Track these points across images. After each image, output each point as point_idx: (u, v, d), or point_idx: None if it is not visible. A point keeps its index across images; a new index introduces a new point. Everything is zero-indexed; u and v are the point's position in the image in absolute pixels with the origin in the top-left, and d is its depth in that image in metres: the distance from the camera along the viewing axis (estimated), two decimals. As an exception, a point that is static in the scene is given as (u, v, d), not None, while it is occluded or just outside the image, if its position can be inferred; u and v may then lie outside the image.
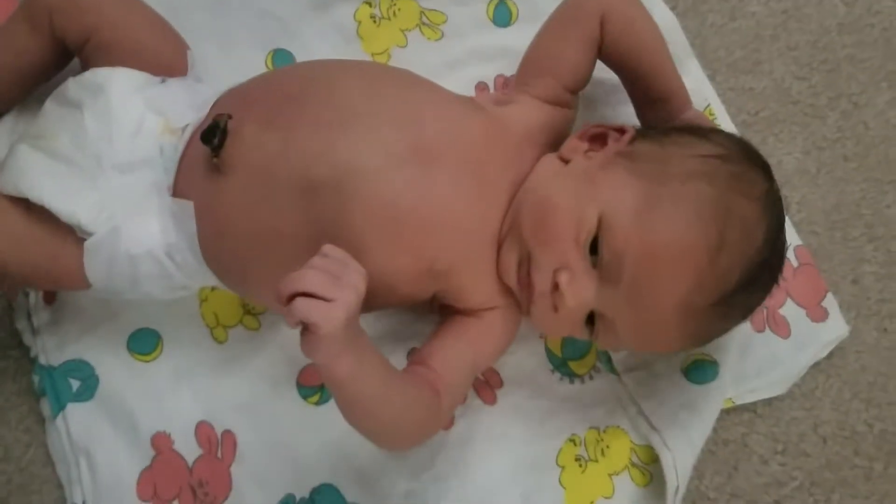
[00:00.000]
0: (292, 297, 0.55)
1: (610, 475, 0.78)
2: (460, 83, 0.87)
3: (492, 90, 0.88)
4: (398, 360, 0.77)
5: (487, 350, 0.73)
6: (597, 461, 0.78)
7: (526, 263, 0.68)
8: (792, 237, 0.85)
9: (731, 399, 0.82)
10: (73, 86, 0.70)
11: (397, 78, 0.73)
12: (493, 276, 0.71)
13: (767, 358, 0.82)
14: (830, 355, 0.85)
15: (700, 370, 0.79)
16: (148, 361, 0.76)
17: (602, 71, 0.79)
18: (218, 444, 0.74)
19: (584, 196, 0.66)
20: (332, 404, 0.75)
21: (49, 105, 0.71)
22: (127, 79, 0.70)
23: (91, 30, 0.71)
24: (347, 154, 0.65)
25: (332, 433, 0.75)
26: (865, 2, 0.97)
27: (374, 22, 0.88)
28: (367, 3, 0.88)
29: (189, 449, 0.74)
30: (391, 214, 0.65)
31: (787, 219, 0.72)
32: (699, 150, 0.66)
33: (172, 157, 0.69)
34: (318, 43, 0.87)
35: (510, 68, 0.83)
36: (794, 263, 0.85)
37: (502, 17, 0.90)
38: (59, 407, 0.73)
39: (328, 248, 0.58)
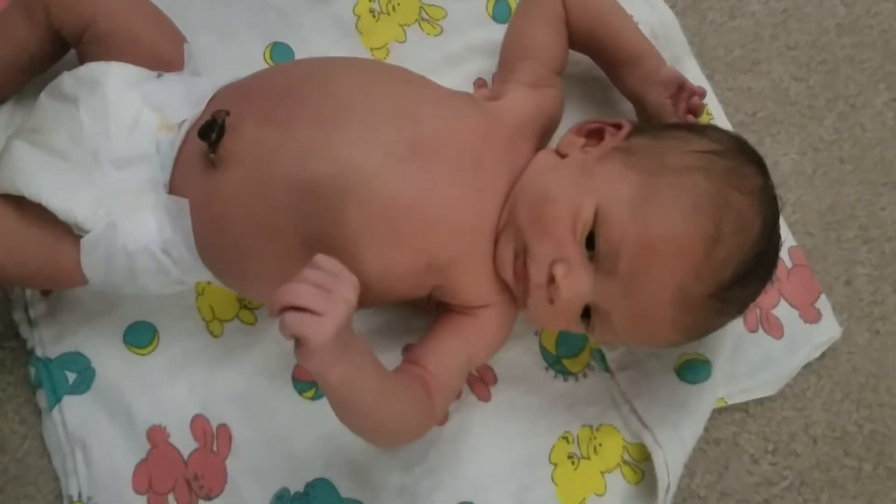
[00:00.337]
0: (284, 309, 0.55)
1: (602, 473, 0.78)
2: (459, 79, 0.87)
3: (490, 86, 0.88)
4: (393, 356, 0.78)
5: (482, 348, 0.73)
6: (589, 459, 0.78)
7: (522, 255, 0.68)
8: (786, 238, 0.85)
9: (723, 398, 0.82)
10: (68, 80, 0.70)
11: (394, 75, 0.73)
12: (491, 272, 0.71)
13: (760, 358, 0.83)
14: (822, 356, 0.86)
15: (693, 369, 0.79)
16: (144, 354, 0.76)
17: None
18: (213, 438, 0.75)
19: (580, 188, 0.66)
20: (326, 399, 0.77)
21: (44, 99, 0.71)
22: (123, 73, 0.70)
23: (88, 22, 0.71)
24: (345, 151, 0.65)
25: (327, 428, 0.75)
26: (865, 3, 0.97)
27: (374, 16, 0.88)
28: (366, -4, 0.88)
29: (184, 442, 0.74)
30: (389, 211, 0.65)
31: (781, 219, 0.73)
32: (695, 146, 0.67)
33: (169, 154, 0.69)
34: (317, 36, 0.87)
35: (509, 65, 0.83)
36: (789, 264, 0.86)
37: (502, 13, 0.90)
38: (56, 399, 0.74)
39: (320, 258, 0.58)
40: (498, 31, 0.88)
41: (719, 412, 0.83)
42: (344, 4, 0.87)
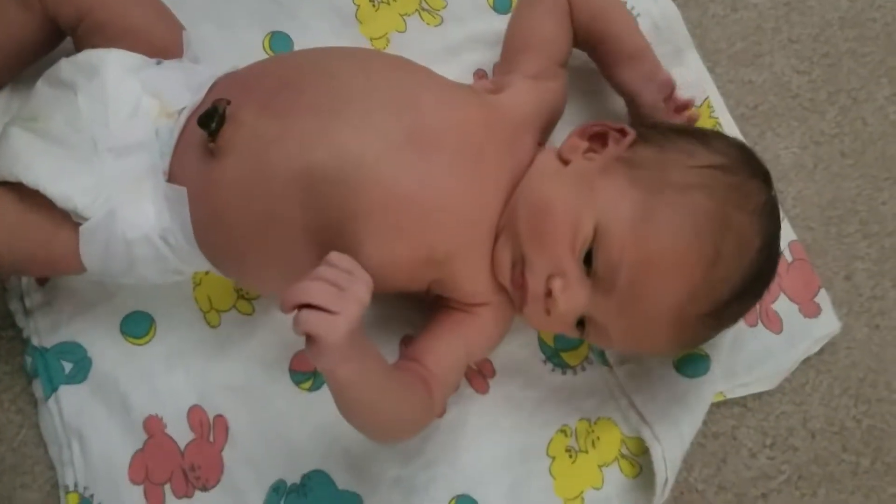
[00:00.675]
0: (297, 307, 0.55)
1: (600, 466, 0.78)
2: (459, 69, 0.86)
3: (490, 77, 0.87)
4: (391, 348, 0.78)
5: (480, 346, 0.74)
6: (587, 452, 0.78)
7: (520, 265, 0.68)
8: (787, 232, 0.85)
9: (721, 393, 0.82)
10: (66, 67, 0.69)
11: (395, 65, 0.73)
12: (490, 269, 0.71)
13: (759, 353, 0.83)
14: (821, 351, 0.86)
15: (691, 364, 0.79)
16: (141, 344, 0.76)
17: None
18: (210, 428, 0.75)
19: (581, 203, 0.66)
20: (324, 390, 0.76)
21: (41, 86, 0.70)
22: (122, 60, 0.70)
23: (84, 10, 0.71)
24: (345, 141, 0.65)
25: (324, 419, 0.75)
26: (868, -4, 0.97)
27: (373, 6, 0.87)
28: (366, -15, 0.87)
29: (181, 432, 0.74)
30: (389, 201, 0.65)
31: (782, 213, 0.72)
32: (699, 160, 0.66)
33: (168, 141, 0.68)
34: (316, 25, 0.86)
35: (510, 56, 0.83)
36: (788, 258, 0.86)
37: (503, 3, 0.89)
38: (52, 388, 0.73)
39: (334, 256, 0.58)
40: (499, 22, 0.87)
41: (718, 406, 0.83)
42: (344, -7, 0.87)
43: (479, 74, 0.87)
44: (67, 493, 0.72)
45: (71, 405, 0.73)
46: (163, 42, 0.73)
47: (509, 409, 0.79)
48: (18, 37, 0.73)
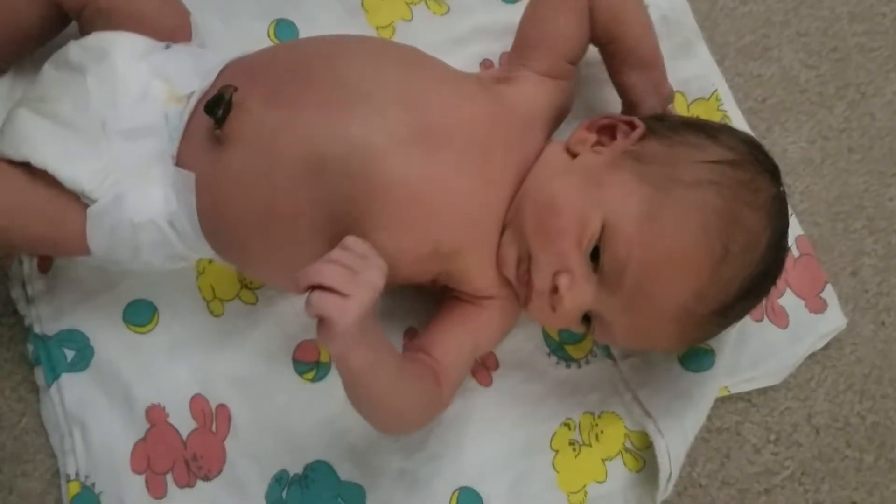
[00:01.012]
0: (311, 288, 0.55)
1: (603, 460, 0.78)
2: (465, 59, 0.86)
3: (497, 67, 0.86)
4: (395, 340, 0.78)
5: (487, 339, 0.73)
6: (591, 446, 0.78)
7: (526, 261, 0.68)
8: (794, 227, 0.84)
9: (726, 388, 0.82)
10: (75, 49, 0.69)
11: (403, 56, 0.72)
12: (496, 264, 0.70)
13: (764, 348, 0.82)
14: (826, 347, 0.85)
15: (696, 358, 0.79)
16: (143, 333, 0.75)
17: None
18: (212, 418, 0.74)
19: (588, 200, 0.65)
20: (327, 381, 0.76)
21: (48, 69, 0.70)
22: (131, 43, 0.69)
23: None
24: (351, 135, 0.64)
25: (327, 410, 0.75)
26: (878, -10, 0.96)
27: (380, -6, 0.87)
28: (372, -26, 0.86)
29: (183, 422, 0.74)
30: (395, 197, 0.64)
31: (789, 208, 0.72)
32: (708, 155, 0.66)
33: (177, 126, 0.68)
34: (322, 14, 0.85)
35: (516, 47, 0.82)
36: (795, 254, 0.85)
37: (510, -7, 0.89)
38: (54, 377, 0.73)
39: (350, 240, 0.58)
40: (505, 12, 0.87)
41: (722, 401, 0.82)
42: (350, -19, 0.86)
43: (486, 64, 0.87)
44: (69, 481, 0.72)
45: (73, 393, 0.73)
46: (170, 26, 0.72)
47: (513, 402, 0.78)
48: (23, 20, 0.72)
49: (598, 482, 0.77)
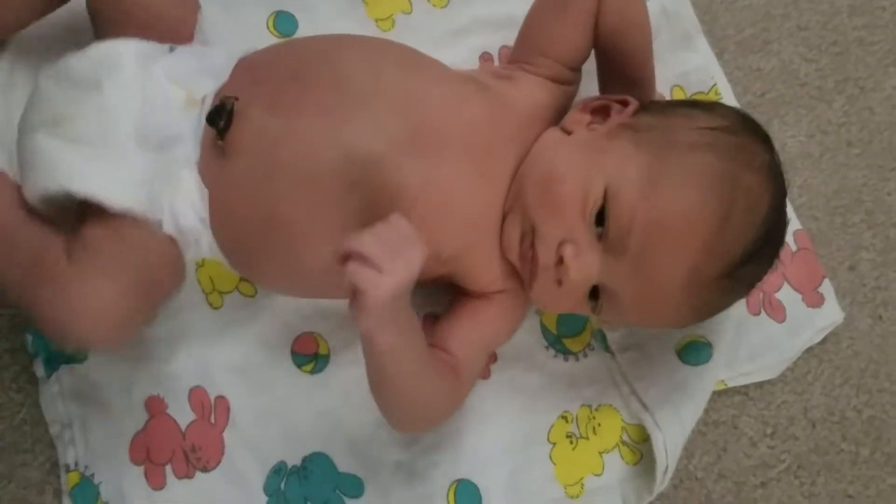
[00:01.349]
0: (349, 257, 0.55)
1: (600, 453, 0.78)
2: (465, 52, 0.86)
3: (496, 61, 0.86)
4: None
5: (500, 331, 0.73)
6: (588, 439, 0.78)
7: (530, 236, 0.67)
8: (792, 221, 0.85)
9: (723, 381, 0.82)
10: (78, 64, 0.65)
11: (401, 57, 0.71)
12: (501, 257, 0.71)
13: (761, 341, 0.83)
14: (824, 341, 0.86)
15: (694, 352, 0.79)
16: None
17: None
18: (211, 410, 0.74)
19: (589, 167, 0.65)
20: (326, 373, 0.76)
21: (50, 85, 0.66)
22: (138, 50, 0.66)
23: None
24: (350, 142, 0.64)
25: (326, 402, 0.75)
26: (878, -16, 0.96)
27: (380, -14, 0.87)
28: (372, -34, 0.86)
29: (182, 413, 0.74)
30: (395, 202, 0.64)
31: (787, 202, 0.72)
32: (702, 122, 0.66)
33: (196, 130, 0.67)
34: (321, 5, 0.85)
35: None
36: (793, 248, 0.85)
37: (510, -15, 0.88)
38: (53, 367, 0.73)
39: (396, 218, 0.58)
40: (506, 4, 0.86)
41: (719, 395, 0.83)
42: (349, -27, 0.86)
43: (485, 58, 0.86)
44: (68, 472, 0.72)
45: (72, 384, 0.73)
46: (175, 17, 0.70)
47: (511, 395, 0.79)
48: None
49: (596, 475, 0.78)
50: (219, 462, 0.73)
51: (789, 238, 0.84)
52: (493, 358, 0.80)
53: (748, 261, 0.65)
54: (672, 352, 0.80)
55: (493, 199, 0.69)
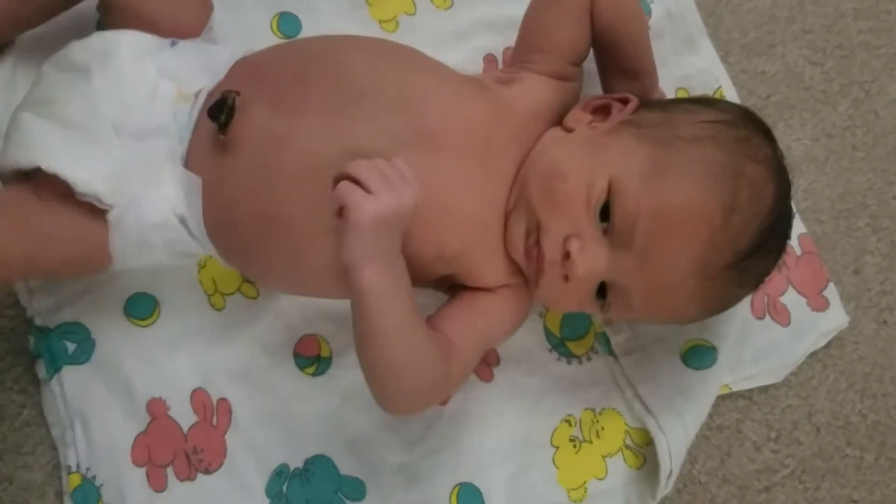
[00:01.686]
0: (343, 177, 0.57)
1: (604, 457, 0.78)
2: (468, 53, 0.85)
3: (500, 63, 0.86)
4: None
5: (498, 325, 0.71)
6: (591, 442, 0.78)
7: (535, 232, 0.67)
8: (796, 225, 0.85)
9: (727, 385, 0.82)
10: (78, 50, 0.68)
11: (403, 59, 0.71)
12: (504, 256, 0.70)
13: (766, 345, 0.82)
14: (828, 345, 0.85)
15: (698, 356, 0.79)
16: (145, 326, 0.75)
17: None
18: (213, 412, 0.74)
19: (592, 162, 0.65)
20: (328, 375, 0.76)
21: (49, 71, 0.69)
22: (136, 42, 0.68)
23: None
24: (352, 142, 0.64)
25: (328, 404, 0.75)
26: (883, -13, 0.96)
27: (383, -13, 0.86)
28: (376, -33, 0.86)
29: (184, 415, 0.74)
30: None
31: (792, 206, 0.72)
32: (704, 116, 0.66)
33: (186, 125, 0.67)
34: (325, 7, 0.85)
35: (520, 41, 0.81)
36: (798, 252, 0.85)
37: (514, -13, 0.88)
38: (55, 369, 0.73)
39: (399, 161, 0.60)
40: (508, 6, 0.86)
41: (723, 399, 0.82)
42: (353, -26, 0.86)
43: (489, 60, 0.86)
44: (69, 473, 0.72)
45: (74, 386, 0.73)
46: (179, 19, 0.71)
47: (513, 397, 0.78)
48: None
49: (599, 479, 0.77)
50: (221, 464, 0.73)
51: (794, 242, 0.84)
52: (496, 360, 0.79)
53: (755, 252, 0.64)
54: (676, 356, 0.79)
55: (494, 198, 0.69)
